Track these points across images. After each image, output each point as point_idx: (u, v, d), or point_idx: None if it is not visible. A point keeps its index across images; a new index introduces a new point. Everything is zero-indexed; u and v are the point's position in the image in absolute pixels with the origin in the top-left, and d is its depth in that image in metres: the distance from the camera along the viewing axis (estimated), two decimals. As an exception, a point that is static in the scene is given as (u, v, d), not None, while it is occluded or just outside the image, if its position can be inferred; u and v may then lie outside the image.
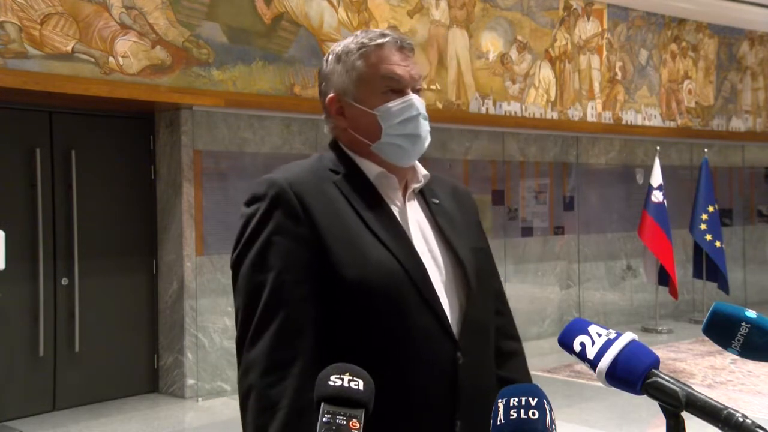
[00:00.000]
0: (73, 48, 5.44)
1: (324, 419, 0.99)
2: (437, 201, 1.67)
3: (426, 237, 1.60)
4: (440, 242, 1.61)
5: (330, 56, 1.63)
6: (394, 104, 1.56)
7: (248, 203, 1.53)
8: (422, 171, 1.65)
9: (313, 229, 1.46)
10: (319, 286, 1.46)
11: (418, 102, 1.58)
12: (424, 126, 1.60)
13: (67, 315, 5.90)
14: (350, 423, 0.99)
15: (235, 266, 1.51)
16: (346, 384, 1.03)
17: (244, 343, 1.46)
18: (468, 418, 1.51)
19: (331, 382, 1.03)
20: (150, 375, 6.35)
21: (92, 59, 5.53)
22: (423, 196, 1.66)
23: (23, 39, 5.23)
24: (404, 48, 1.60)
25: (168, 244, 6.26)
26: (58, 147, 5.93)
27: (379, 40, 1.58)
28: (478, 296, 1.59)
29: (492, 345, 1.66)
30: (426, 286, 1.50)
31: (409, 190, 1.62)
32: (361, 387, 1.03)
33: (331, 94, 1.60)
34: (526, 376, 1.72)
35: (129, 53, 5.68)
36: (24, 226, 5.71)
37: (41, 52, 5.30)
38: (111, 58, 5.61)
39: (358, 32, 1.64)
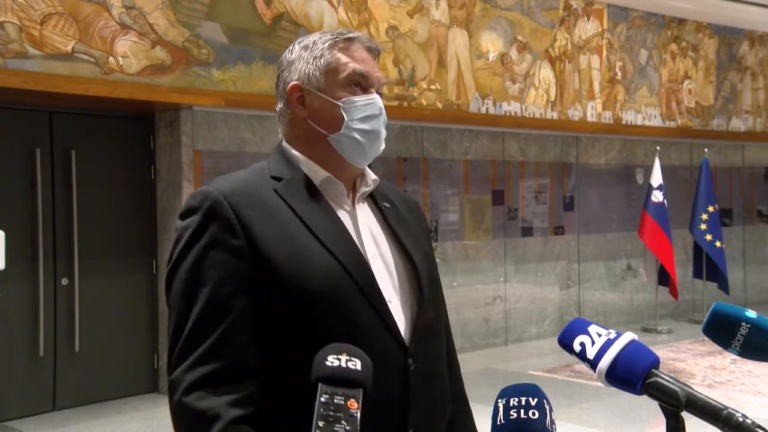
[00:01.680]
0: (73, 48, 5.44)
1: (322, 399, 0.98)
2: (388, 205, 1.62)
3: (377, 241, 1.55)
4: (392, 245, 1.57)
5: (295, 45, 1.60)
6: (361, 99, 1.54)
7: (183, 216, 1.47)
8: (372, 176, 1.60)
9: (250, 241, 1.40)
10: (258, 299, 1.40)
11: (380, 102, 1.57)
12: (383, 127, 1.58)
13: (67, 315, 5.90)
14: (348, 402, 0.98)
15: (168, 280, 1.45)
16: (343, 364, 1.02)
17: (171, 359, 1.40)
18: (421, 425, 1.48)
19: (328, 363, 1.02)
20: (150, 375, 6.35)
21: (92, 59, 5.53)
22: (374, 200, 1.61)
23: (23, 39, 5.23)
24: (372, 49, 1.58)
25: (168, 244, 6.23)
26: (58, 147, 5.93)
27: (350, 35, 1.57)
28: (430, 301, 1.56)
29: (443, 349, 1.62)
30: (373, 291, 1.45)
31: (359, 194, 1.58)
32: (359, 367, 1.03)
33: (294, 82, 1.56)
34: None
35: (129, 53, 5.68)
36: (24, 226, 5.71)
37: (41, 52, 5.31)
38: (111, 58, 5.61)
39: (324, 30, 1.62)
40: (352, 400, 0.98)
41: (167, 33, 5.87)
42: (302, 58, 1.56)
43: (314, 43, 1.57)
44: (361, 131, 1.54)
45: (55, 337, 5.86)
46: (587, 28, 8.86)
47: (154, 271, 6.35)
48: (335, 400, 0.98)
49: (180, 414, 1.37)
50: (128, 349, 6.22)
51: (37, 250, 5.76)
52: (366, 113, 1.54)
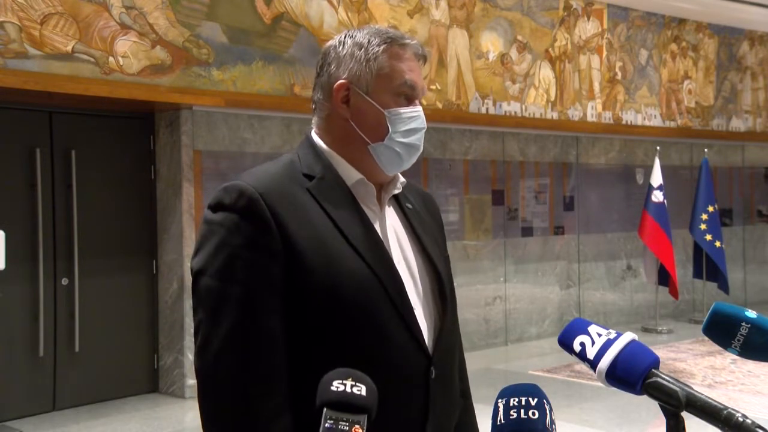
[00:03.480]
0: (73, 48, 5.44)
1: (326, 425, 0.98)
2: (411, 206, 1.62)
3: (402, 245, 1.54)
4: (416, 250, 1.56)
5: (347, 39, 1.53)
6: (406, 111, 1.51)
7: (215, 209, 1.43)
8: (400, 178, 1.59)
9: (284, 242, 1.39)
10: (288, 300, 1.39)
11: (424, 116, 1.55)
12: (422, 141, 1.56)
13: (67, 315, 5.90)
14: (353, 429, 0.98)
15: (198, 275, 1.42)
16: (348, 389, 1.02)
17: (204, 356, 1.39)
18: (437, 429, 1.49)
19: (333, 388, 1.02)
20: (150, 375, 6.35)
21: (92, 59, 5.53)
22: (397, 201, 1.61)
23: (23, 39, 5.23)
24: (421, 57, 1.55)
25: (168, 244, 6.26)
26: (58, 147, 5.93)
27: (406, 41, 1.52)
28: (451, 308, 1.56)
29: (457, 356, 1.62)
30: (401, 299, 1.45)
31: (387, 197, 1.56)
32: (363, 392, 1.02)
33: (342, 80, 1.51)
34: None
35: (129, 53, 5.68)
36: (24, 226, 5.71)
37: (41, 52, 5.30)
38: (111, 58, 5.61)
39: (377, 27, 1.55)
40: (357, 426, 0.98)
41: (167, 33, 5.87)
42: (355, 56, 1.51)
43: (369, 42, 1.51)
44: (403, 145, 1.52)
45: (55, 337, 5.86)
46: (587, 28, 8.86)
47: (154, 271, 6.35)
48: (340, 426, 0.98)
49: (232, 414, 1.36)
50: (128, 349, 6.22)
51: (37, 250, 5.76)
52: (410, 126, 1.52)
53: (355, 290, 1.41)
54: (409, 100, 1.52)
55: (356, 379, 1.04)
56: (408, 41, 1.53)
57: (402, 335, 1.44)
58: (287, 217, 1.41)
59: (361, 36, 1.53)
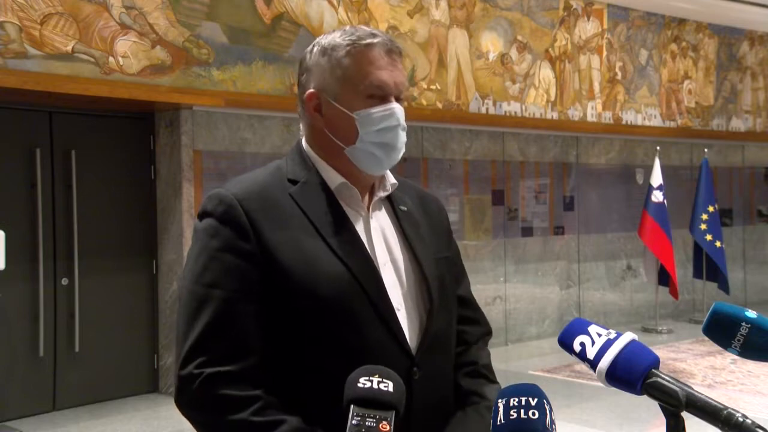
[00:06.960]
0: (73, 48, 5.44)
1: (353, 422, 0.97)
2: (404, 208, 1.61)
3: (390, 246, 1.55)
4: (405, 251, 1.56)
5: (315, 48, 1.55)
6: (376, 111, 1.50)
7: (200, 217, 1.50)
8: (390, 179, 1.59)
9: (261, 246, 1.42)
10: (268, 302, 1.42)
11: (399, 112, 1.52)
12: (402, 137, 1.54)
13: (67, 315, 5.90)
14: (380, 425, 0.97)
15: (182, 279, 1.49)
16: (375, 386, 1.01)
17: (180, 356, 1.45)
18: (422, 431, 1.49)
19: (360, 384, 1.01)
20: (150, 375, 6.35)
21: (92, 59, 5.53)
22: (390, 203, 1.61)
23: (23, 39, 5.23)
24: (392, 52, 1.53)
25: (168, 244, 6.26)
26: (58, 147, 5.93)
27: (369, 40, 1.51)
28: (439, 308, 1.55)
29: (451, 356, 1.61)
30: (381, 299, 1.46)
31: (375, 199, 1.57)
32: (390, 388, 1.01)
33: (311, 90, 1.53)
34: (487, 360, 1.70)
35: (129, 53, 5.68)
36: (24, 226, 5.71)
37: (41, 52, 5.30)
38: (111, 58, 5.61)
39: (347, 27, 1.56)
40: (384, 422, 0.97)
41: (167, 33, 5.86)
42: (320, 65, 1.53)
43: (333, 48, 1.52)
44: (377, 144, 1.51)
45: (55, 337, 5.86)
46: (587, 28, 8.86)
47: (154, 271, 6.35)
48: (367, 423, 0.97)
49: (203, 403, 1.41)
50: (128, 349, 6.22)
51: (37, 250, 5.76)
52: (382, 125, 1.51)
53: (333, 292, 1.42)
54: (383, 99, 1.51)
55: (383, 376, 1.03)
56: (372, 40, 1.52)
57: (382, 336, 1.45)
58: (265, 222, 1.44)
59: (327, 41, 1.54)
